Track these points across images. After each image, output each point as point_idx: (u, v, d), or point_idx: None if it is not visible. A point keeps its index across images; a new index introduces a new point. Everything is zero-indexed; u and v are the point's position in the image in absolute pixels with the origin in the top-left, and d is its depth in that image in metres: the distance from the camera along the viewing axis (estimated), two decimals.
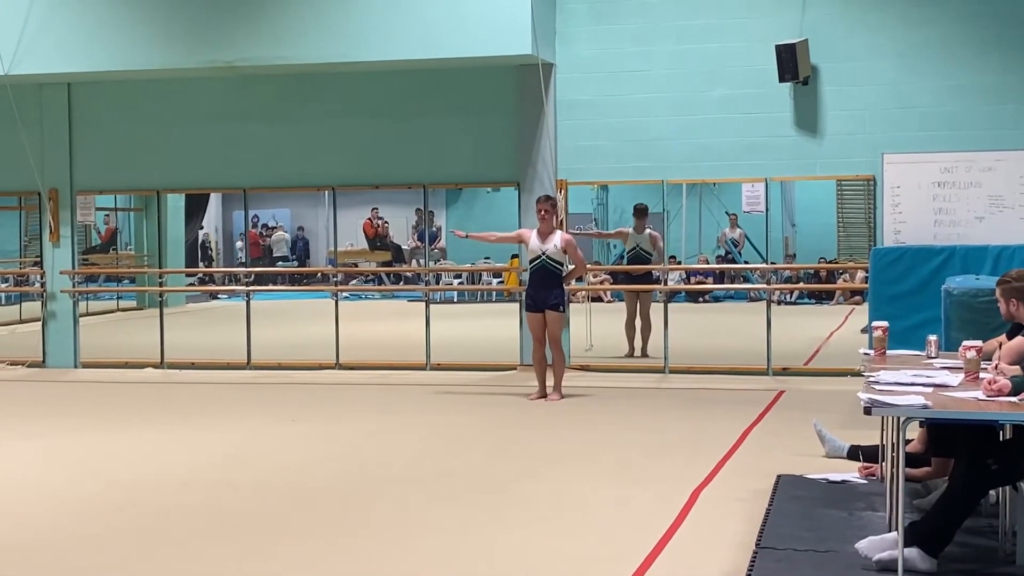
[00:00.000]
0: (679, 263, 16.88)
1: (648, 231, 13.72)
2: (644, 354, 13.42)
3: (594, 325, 13.27)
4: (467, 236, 11.35)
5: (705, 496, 7.00)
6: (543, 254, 10.75)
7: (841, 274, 16.02)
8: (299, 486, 7.57)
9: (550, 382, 10.89)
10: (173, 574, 5.75)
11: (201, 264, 23.65)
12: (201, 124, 13.93)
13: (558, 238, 10.79)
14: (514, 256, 14.33)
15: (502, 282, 18.73)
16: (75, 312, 14.28)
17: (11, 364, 14.17)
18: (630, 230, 13.84)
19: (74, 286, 14.30)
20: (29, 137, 13.90)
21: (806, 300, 18.06)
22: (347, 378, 12.89)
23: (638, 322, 13.58)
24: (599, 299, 15.91)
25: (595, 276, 15.93)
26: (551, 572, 5.66)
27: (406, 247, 23.36)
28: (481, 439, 9.02)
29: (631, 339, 13.60)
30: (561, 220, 12.78)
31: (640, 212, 13.81)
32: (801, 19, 12.21)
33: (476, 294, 19.43)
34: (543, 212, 10.76)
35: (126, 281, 18.81)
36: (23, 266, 17.78)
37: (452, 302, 19.19)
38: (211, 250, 24.79)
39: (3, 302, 18.09)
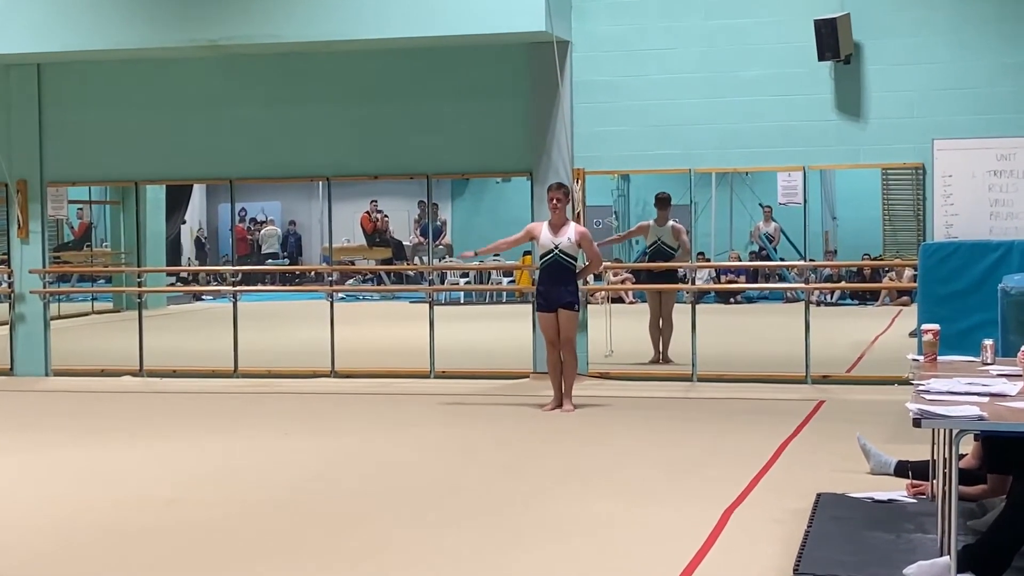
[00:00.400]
0: (708, 260, 16.87)
1: (671, 223, 13.69)
2: (666, 359, 13.44)
3: (614, 328, 13.28)
4: (476, 254, 11.42)
5: (737, 517, 7.00)
6: (556, 248, 10.76)
7: (887, 272, 15.99)
8: (293, 506, 7.59)
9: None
10: None
11: (195, 263, 23.69)
12: (183, 109, 13.97)
13: (572, 230, 10.81)
14: (526, 253, 14.36)
15: (513, 281, 18.76)
16: (46, 315, 14.34)
17: None
18: (651, 223, 13.84)
19: (45, 286, 14.35)
20: None
21: (848, 301, 18.03)
22: (344, 387, 12.92)
23: (661, 322, 13.61)
24: (620, 300, 15.92)
25: (615, 275, 15.93)
26: None
27: (408, 243, 23.39)
28: (492, 454, 9.03)
29: (656, 343, 13.62)
30: (578, 214, 12.80)
31: (662, 202, 13.80)
32: None
33: (485, 295, 19.46)
34: (555, 201, 10.78)
35: (101, 281, 18.86)
36: None
37: (459, 303, 19.23)
38: (207, 246, 24.79)
39: None
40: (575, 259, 10.86)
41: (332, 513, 7.38)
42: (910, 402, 5.49)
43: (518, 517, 7.19)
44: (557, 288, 10.79)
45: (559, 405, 10.83)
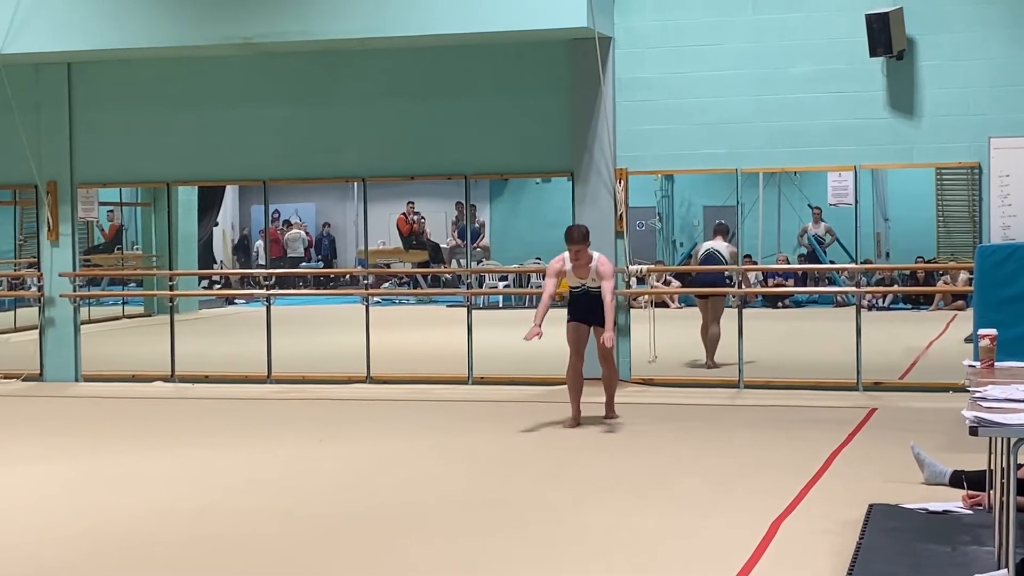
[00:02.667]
0: (755, 263, 16.82)
1: (725, 245, 13.71)
2: (713, 364, 13.46)
3: (658, 334, 13.24)
4: (540, 327, 10.27)
5: (787, 528, 6.97)
6: (582, 286, 10.55)
7: (941, 275, 15.90)
8: (328, 515, 7.62)
9: (598, 399, 10.68)
10: None
11: (234, 266, 23.77)
12: (215, 108, 14.06)
13: (595, 265, 10.43)
14: None
15: None
16: (76, 319, 14.46)
17: (5, 377, 14.36)
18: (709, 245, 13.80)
19: (75, 290, 14.47)
20: (25, 124, 14.09)
21: (901, 305, 17.92)
22: (379, 393, 12.95)
23: (708, 330, 13.64)
24: (664, 304, 15.89)
25: (658, 278, 15.90)
26: None
27: (445, 245, 23.43)
28: (532, 463, 9.03)
29: (706, 347, 13.66)
30: (620, 215, 12.79)
31: (720, 231, 13.81)
32: None
33: (524, 298, 19.43)
34: (575, 253, 10.37)
35: (132, 284, 19.01)
36: (18, 268, 18.02)
37: (497, 307, 19.24)
38: (254, 250, 24.82)
39: None
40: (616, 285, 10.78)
41: (366, 522, 7.40)
42: (966, 409, 5.44)
43: (558, 528, 7.18)
44: (589, 310, 10.52)
45: (578, 422, 10.49)
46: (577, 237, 10.39)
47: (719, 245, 13.67)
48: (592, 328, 10.54)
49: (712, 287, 13.69)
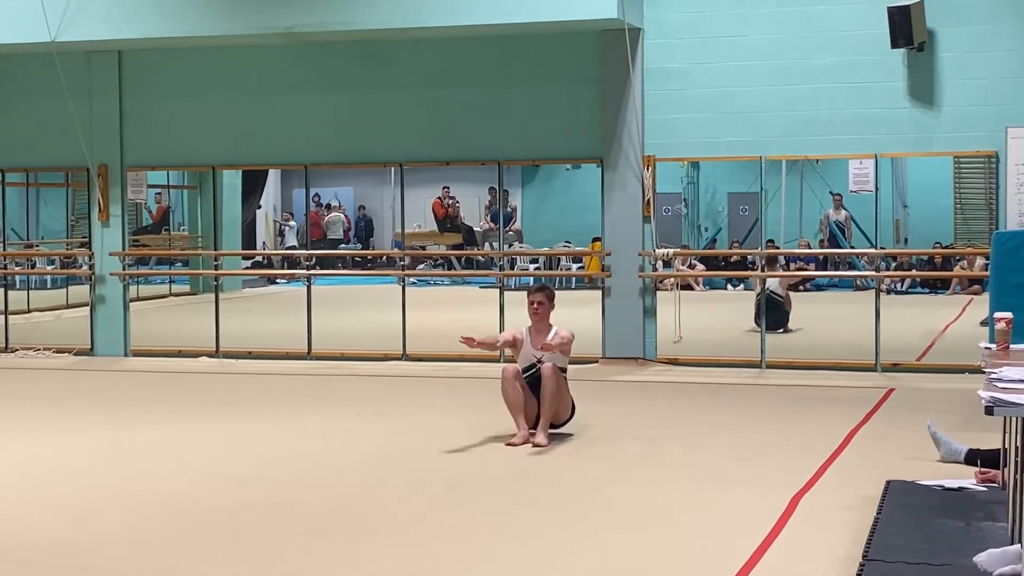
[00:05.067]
0: (777, 247, 16.74)
1: (777, 281, 13.98)
2: (787, 328, 13.97)
3: (683, 315, 13.24)
4: (475, 343, 8.98)
5: (806, 503, 6.98)
6: (538, 361, 8.89)
7: (958, 261, 15.78)
8: (367, 485, 7.68)
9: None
10: None
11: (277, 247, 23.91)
12: (259, 95, 14.11)
13: (553, 335, 8.93)
14: (595, 239, 14.33)
15: (582, 267, 18.73)
16: (125, 297, 14.57)
17: (57, 352, 14.49)
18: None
19: (124, 269, 14.58)
20: (77, 109, 14.19)
21: (919, 289, 17.81)
22: (415, 370, 13.01)
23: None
24: (689, 287, 15.86)
25: (683, 262, 15.87)
26: None
27: (478, 229, 23.42)
28: (560, 438, 9.06)
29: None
30: (648, 201, 12.78)
31: (771, 261, 13.82)
32: None
33: (554, 280, 19.42)
34: (535, 305, 8.99)
35: (179, 264, 19.12)
36: (70, 247, 18.16)
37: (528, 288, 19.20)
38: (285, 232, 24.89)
39: (49, 285, 18.49)
40: (564, 369, 9.02)
41: (401, 494, 7.45)
42: (982, 390, 5.43)
43: (587, 500, 7.21)
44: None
45: (527, 439, 8.79)
46: (535, 289, 9.22)
47: (773, 284, 13.82)
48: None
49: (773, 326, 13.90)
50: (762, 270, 13.22)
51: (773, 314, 13.68)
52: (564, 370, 9.03)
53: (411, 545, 6.30)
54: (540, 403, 8.82)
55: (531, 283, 19.51)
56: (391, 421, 10.00)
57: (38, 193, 18.30)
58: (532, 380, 8.92)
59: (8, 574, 5.87)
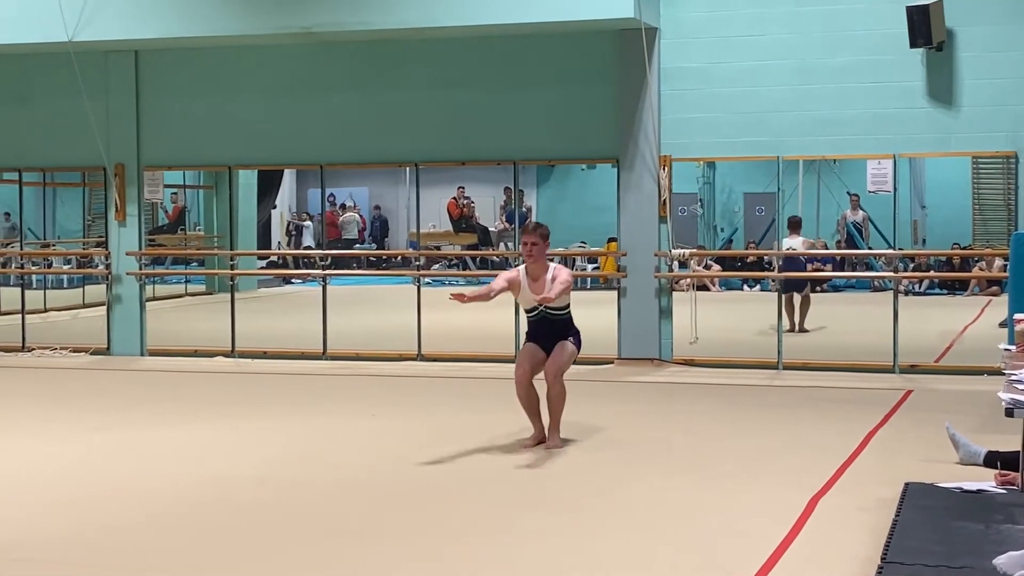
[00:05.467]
0: (793, 248, 16.70)
1: (800, 239, 14.19)
2: (802, 329, 14.14)
3: (699, 316, 13.21)
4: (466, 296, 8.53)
5: (824, 505, 6.95)
6: (540, 305, 8.72)
7: (977, 262, 15.73)
8: (381, 485, 7.67)
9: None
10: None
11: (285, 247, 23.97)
12: (275, 95, 14.13)
13: (551, 278, 8.68)
14: (611, 240, 14.31)
15: (598, 268, 18.71)
16: (141, 296, 14.59)
17: (74, 351, 14.52)
18: (786, 241, 13.87)
19: (140, 268, 14.60)
20: (94, 109, 14.21)
21: (937, 290, 17.76)
22: (430, 370, 13.00)
23: (796, 298, 14.21)
24: (705, 288, 15.83)
25: (699, 262, 15.84)
26: None
27: (493, 229, 23.45)
28: (576, 438, 9.04)
29: (791, 315, 14.04)
30: (664, 201, 12.75)
31: (794, 225, 14.18)
32: None
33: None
34: (528, 246, 8.68)
35: (194, 264, 19.17)
36: (87, 247, 18.23)
37: None
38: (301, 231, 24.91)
39: (65, 285, 18.56)
40: (566, 309, 8.83)
41: (415, 493, 7.44)
42: (1002, 391, 5.40)
43: (602, 501, 7.19)
44: (552, 339, 8.78)
45: (542, 439, 8.78)
46: (531, 227, 8.81)
47: (795, 242, 13.99)
48: (550, 351, 8.77)
49: (796, 286, 14.23)
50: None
51: (793, 271, 13.90)
52: (567, 306, 8.81)
53: (425, 545, 6.28)
54: (544, 371, 8.70)
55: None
56: (406, 421, 9.99)
57: (55, 193, 18.38)
58: (538, 320, 8.76)
59: (20, 572, 5.88)
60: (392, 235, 25.61)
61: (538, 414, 8.82)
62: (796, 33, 12.50)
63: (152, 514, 6.95)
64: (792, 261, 14.06)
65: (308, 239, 24.54)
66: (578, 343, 8.88)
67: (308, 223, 24.84)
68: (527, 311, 8.88)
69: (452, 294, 8.44)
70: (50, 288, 18.03)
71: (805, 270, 14.33)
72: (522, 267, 8.83)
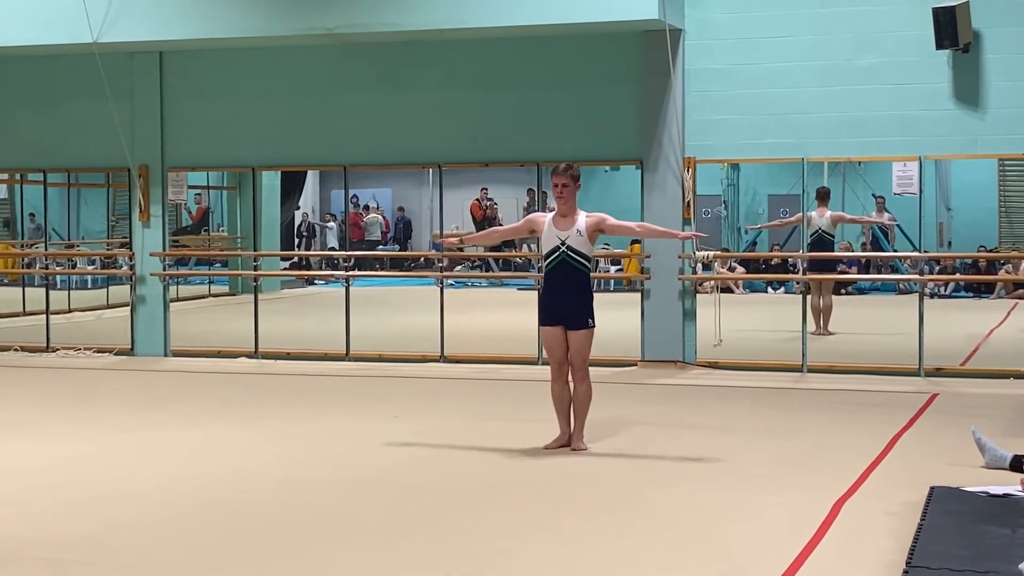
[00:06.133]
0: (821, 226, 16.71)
1: (828, 213, 14.18)
2: (827, 331, 13.99)
3: (723, 319, 13.18)
4: (462, 241, 9.46)
5: (849, 508, 6.92)
6: (562, 245, 8.58)
7: (1003, 264, 15.67)
8: (405, 486, 7.68)
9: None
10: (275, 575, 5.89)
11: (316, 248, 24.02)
12: (299, 96, 14.16)
13: (582, 221, 8.61)
14: (634, 242, 14.31)
15: (621, 270, 18.69)
16: (165, 297, 14.65)
17: (98, 352, 14.59)
18: (813, 214, 13.90)
19: (164, 269, 14.66)
20: (119, 110, 14.28)
21: (963, 293, 17.69)
22: (453, 372, 13.01)
23: (821, 300, 14.18)
24: (729, 290, 15.81)
25: (723, 264, 15.82)
26: None
27: None
28: (599, 441, 9.04)
29: (816, 317, 13.95)
30: (688, 203, 12.73)
31: (823, 196, 14.16)
32: None
33: (593, 283, 19.43)
34: (559, 188, 8.60)
35: (218, 264, 19.24)
36: (111, 247, 18.32)
37: None
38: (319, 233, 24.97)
39: (90, 286, 18.65)
40: (588, 260, 8.65)
41: (438, 495, 7.45)
42: None
43: (628, 503, 7.19)
44: (566, 299, 8.66)
45: (567, 442, 8.76)
46: (561, 168, 8.67)
47: (823, 223, 14.02)
48: (568, 332, 8.75)
49: (822, 266, 14.04)
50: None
51: (821, 250, 13.88)
52: (589, 259, 8.71)
53: (448, 546, 6.29)
54: (570, 365, 8.75)
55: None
56: (429, 422, 10.00)
57: (79, 193, 18.49)
58: (556, 265, 8.64)
59: (42, 571, 5.91)
60: (415, 236, 25.65)
61: (567, 415, 8.80)
62: (821, 35, 12.47)
63: (175, 514, 6.98)
64: (821, 241, 14.06)
65: (332, 240, 24.61)
66: (592, 315, 8.78)
67: (331, 224, 24.90)
68: (546, 256, 8.70)
69: (444, 239, 8.51)
70: (74, 289, 18.13)
71: (834, 250, 14.27)
72: (549, 214, 8.81)
